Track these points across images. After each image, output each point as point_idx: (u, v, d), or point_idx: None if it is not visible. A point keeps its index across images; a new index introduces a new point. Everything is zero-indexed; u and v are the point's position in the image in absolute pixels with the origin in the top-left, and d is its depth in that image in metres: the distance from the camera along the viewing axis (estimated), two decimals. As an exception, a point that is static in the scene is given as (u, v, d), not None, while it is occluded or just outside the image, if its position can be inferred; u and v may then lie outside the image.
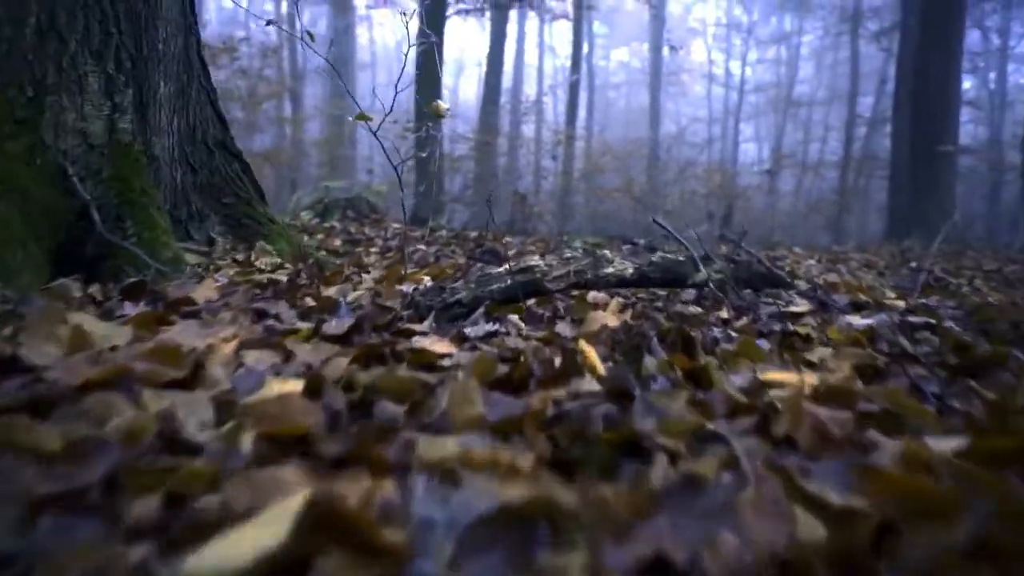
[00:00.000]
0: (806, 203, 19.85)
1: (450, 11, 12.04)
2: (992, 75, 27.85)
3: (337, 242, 5.87)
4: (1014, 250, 11.57)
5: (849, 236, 19.15)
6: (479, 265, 5.62)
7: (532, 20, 28.07)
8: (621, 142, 20.30)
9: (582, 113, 25.23)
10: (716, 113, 27.93)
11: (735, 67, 29.00)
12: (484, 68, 17.58)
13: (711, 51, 29.34)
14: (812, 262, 6.49)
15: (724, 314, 2.04)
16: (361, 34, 28.84)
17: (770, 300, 2.49)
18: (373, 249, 5.76)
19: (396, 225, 6.73)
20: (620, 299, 2.39)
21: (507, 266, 1.84)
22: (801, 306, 2.20)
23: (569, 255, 1.93)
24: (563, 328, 1.70)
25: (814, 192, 21.05)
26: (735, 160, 23.44)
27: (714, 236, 12.38)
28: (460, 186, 14.44)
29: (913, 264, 6.94)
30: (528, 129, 21.73)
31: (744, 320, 1.96)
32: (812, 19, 24.94)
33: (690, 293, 2.48)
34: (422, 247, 5.88)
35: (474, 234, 6.44)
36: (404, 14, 3.40)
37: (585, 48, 25.98)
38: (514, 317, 1.69)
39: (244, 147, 11.75)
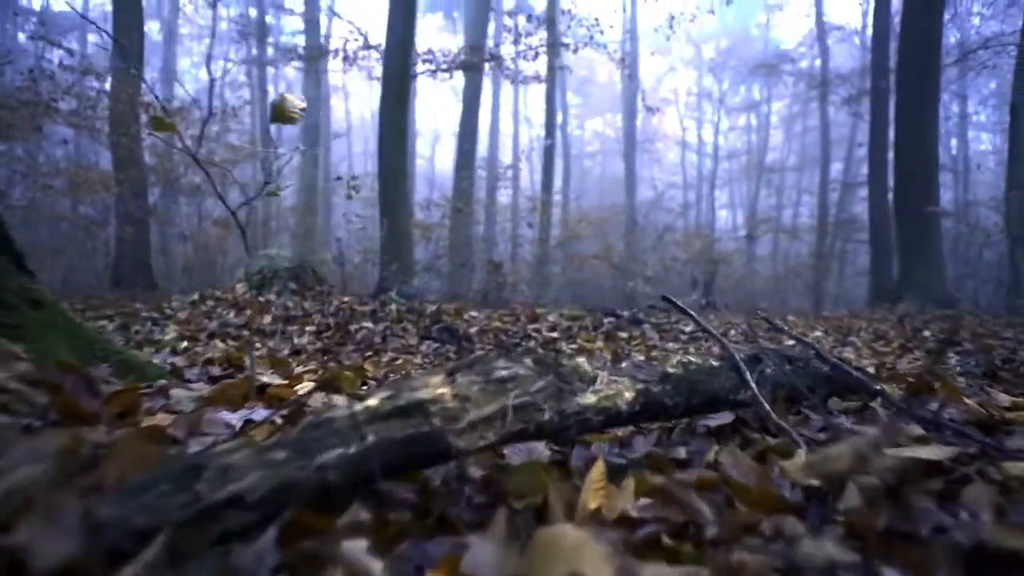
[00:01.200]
0: (784, 267, 19.17)
1: (421, 68, 11.31)
2: (953, 141, 27.93)
3: (267, 319, 4.85)
4: (1011, 313, 10.75)
5: (829, 299, 18.40)
6: (433, 347, 4.62)
7: (507, 90, 27.86)
8: (598, 209, 19.68)
9: (558, 182, 24.70)
10: (691, 179, 27.53)
11: (707, 135, 28.80)
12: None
13: (683, 119, 29.17)
14: (819, 333, 5.55)
15: (804, 472, 1.02)
16: (337, 106, 28.44)
17: (849, 419, 1.50)
18: (309, 328, 4.74)
19: (345, 298, 5.72)
20: (615, 432, 1.38)
21: (368, 403, 0.84)
22: (932, 446, 1.20)
23: (505, 371, 0.93)
24: (481, 560, 0.69)
25: (791, 256, 20.42)
26: (712, 226, 22.85)
27: (699, 303, 11.51)
28: (432, 254, 13.49)
29: (927, 333, 6.03)
30: (505, 197, 21.08)
31: (867, 516, 0.95)
32: (781, 87, 24.83)
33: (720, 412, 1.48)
34: (368, 325, 4.87)
35: (432, 307, 5.44)
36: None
37: (560, 117, 25.64)
38: (358, 548, 0.68)
39: (196, 212, 10.68)
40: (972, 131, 29.32)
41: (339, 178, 7.37)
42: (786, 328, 1.98)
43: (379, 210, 9.96)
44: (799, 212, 25.31)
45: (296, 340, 4.38)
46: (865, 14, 24.63)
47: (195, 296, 5.51)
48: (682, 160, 28.32)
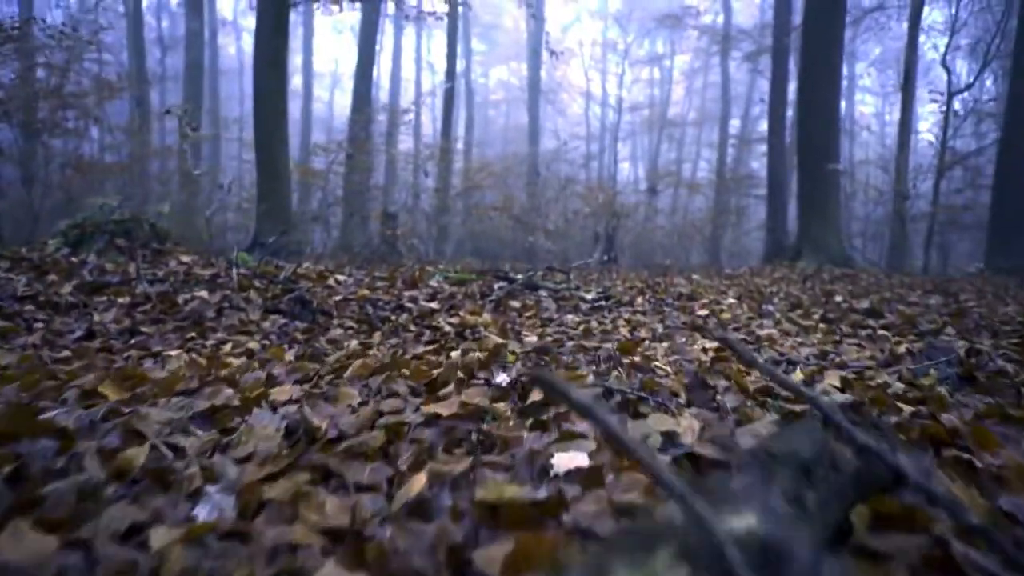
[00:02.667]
0: (684, 222, 18.90)
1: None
2: (843, 102, 28.33)
3: (67, 288, 3.74)
4: (897, 271, 10.71)
5: (726, 254, 18.32)
6: (280, 323, 3.66)
7: (410, 36, 26.22)
8: (500, 158, 18.74)
9: (461, 130, 23.56)
10: (594, 131, 26.89)
11: (611, 87, 28.17)
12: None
13: (588, 71, 28.35)
14: (732, 300, 4.92)
15: None
16: (228, 43, 26.00)
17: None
18: (122, 299, 3.68)
19: (185, 259, 4.63)
20: None
21: None
22: None
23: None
24: None
25: (691, 211, 20.22)
26: (615, 178, 22.37)
27: (601, 259, 10.87)
28: (322, 204, 12.24)
29: (839, 298, 5.53)
30: (405, 144, 19.83)
31: None
32: (684, 41, 24.37)
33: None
34: (202, 294, 3.84)
35: (287, 270, 4.43)
36: None
37: (463, 64, 24.34)
38: None
39: (56, 153, 9.06)
40: (859, 93, 29.90)
41: (168, 111, 6.15)
42: (770, 365, 1.17)
43: (255, 153, 8.71)
44: (699, 167, 25.19)
45: (97, 317, 3.33)
46: (766, -29, 24.35)
47: (-13, 255, 4.30)
48: (586, 111, 27.59)
